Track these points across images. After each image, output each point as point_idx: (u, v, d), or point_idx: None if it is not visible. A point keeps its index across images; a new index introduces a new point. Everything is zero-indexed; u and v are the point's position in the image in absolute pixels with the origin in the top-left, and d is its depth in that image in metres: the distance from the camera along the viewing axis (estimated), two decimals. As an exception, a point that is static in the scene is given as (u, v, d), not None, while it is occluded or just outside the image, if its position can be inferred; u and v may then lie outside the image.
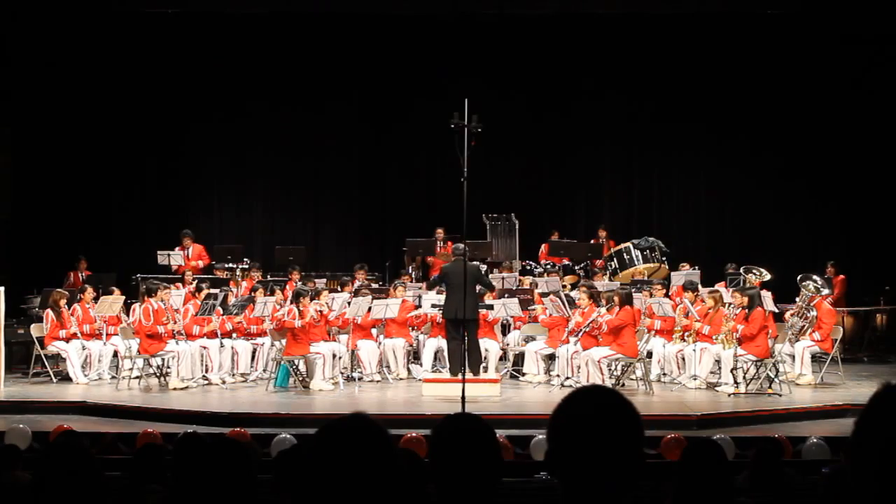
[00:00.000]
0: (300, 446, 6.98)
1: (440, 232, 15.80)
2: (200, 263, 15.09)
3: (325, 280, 14.28)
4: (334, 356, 11.91)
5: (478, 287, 11.65)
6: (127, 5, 16.57)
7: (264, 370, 12.48)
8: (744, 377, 11.13)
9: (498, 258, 15.60)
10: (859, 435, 1.83)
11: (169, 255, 15.18)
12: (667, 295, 12.79)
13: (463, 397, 9.49)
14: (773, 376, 11.24)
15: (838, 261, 15.34)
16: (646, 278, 14.21)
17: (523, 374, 12.43)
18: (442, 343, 12.11)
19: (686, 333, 12.03)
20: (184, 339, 11.88)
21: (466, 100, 9.81)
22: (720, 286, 13.32)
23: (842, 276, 15.09)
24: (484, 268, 12.99)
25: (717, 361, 11.67)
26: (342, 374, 12.05)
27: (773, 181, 17.44)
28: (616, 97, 17.52)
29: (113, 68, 16.77)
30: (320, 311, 11.86)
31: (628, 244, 15.26)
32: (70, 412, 10.30)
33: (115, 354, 12.49)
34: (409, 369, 12.68)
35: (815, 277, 12.27)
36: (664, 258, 15.16)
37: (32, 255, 15.67)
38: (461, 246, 10.94)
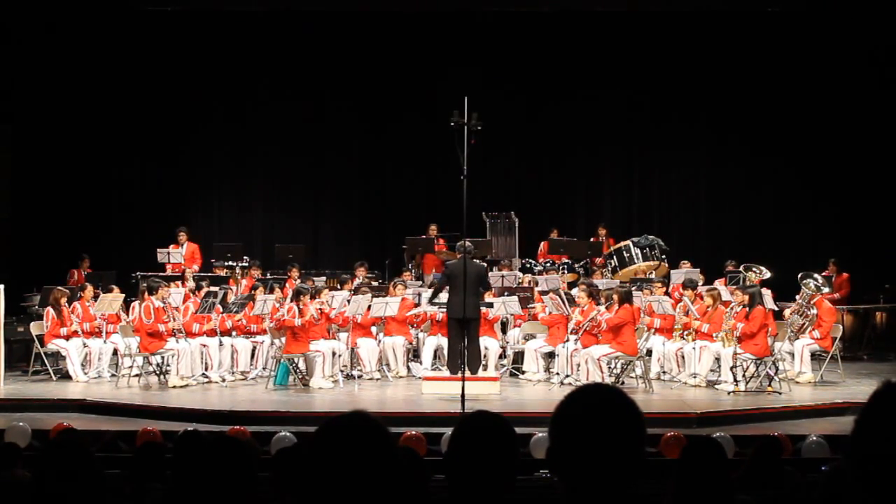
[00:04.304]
0: (300, 444, 6.99)
1: (433, 229, 15.82)
2: (195, 267, 15.10)
3: (324, 278, 14.29)
4: (334, 354, 11.92)
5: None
6: (127, 3, 16.56)
7: (264, 368, 12.48)
8: (743, 375, 11.13)
9: (497, 256, 15.59)
10: (859, 433, 1.83)
11: (168, 253, 15.20)
12: (666, 293, 12.79)
13: (463, 395, 9.49)
14: (772, 374, 11.25)
15: (838, 259, 15.36)
16: (646, 276, 14.21)
17: (523, 373, 12.43)
18: (442, 341, 12.11)
19: (686, 331, 12.03)
20: (183, 337, 11.89)
21: (466, 98, 9.82)
22: (719, 283, 13.33)
23: (845, 275, 15.11)
24: (484, 265, 12.92)
25: (717, 359, 11.68)
26: (342, 372, 12.05)
27: (772, 179, 17.45)
28: (616, 95, 17.51)
29: (113, 66, 16.77)
30: (321, 310, 11.86)
31: (628, 242, 15.26)
32: (70, 410, 10.31)
33: (115, 352, 12.49)
34: (408, 367, 12.69)
35: (815, 276, 12.28)
36: (664, 256, 15.16)
37: (32, 252, 15.66)
38: (464, 243, 10.89)
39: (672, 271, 14.46)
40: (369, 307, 12.16)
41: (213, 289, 12.54)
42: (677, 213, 17.99)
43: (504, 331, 13.25)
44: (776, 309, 12.51)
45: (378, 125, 17.84)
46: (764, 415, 10.02)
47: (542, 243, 16.16)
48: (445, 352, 11.72)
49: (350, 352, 12.37)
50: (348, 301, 12.22)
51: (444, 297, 11.35)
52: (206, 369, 12.00)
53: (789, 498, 5.05)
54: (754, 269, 13.30)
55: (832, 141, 16.83)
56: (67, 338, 12.21)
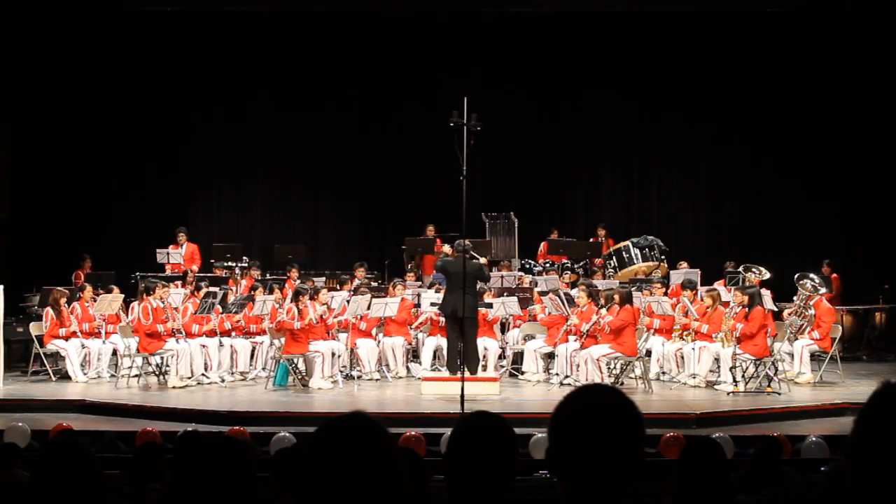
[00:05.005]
0: (299, 445, 6.98)
1: (431, 229, 15.81)
2: (195, 268, 15.11)
3: (324, 278, 14.29)
4: (333, 354, 11.91)
5: (479, 284, 11.62)
6: (126, 3, 16.56)
7: (263, 368, 12.48)
8: (743, 376, 11.14)
9: (497, 256, 15.59)
10: (859, 434, 1.82)
11: (168, 253, 15.20)
12: (666, 293, 12.79)
13: (462, 396, 9.49)
14: (772, 375, 11.25)
15: (838, 259, 15.36)
16: (646, 277, 14.21)
17: (522, 373, 12.43)
18: (441, 342, 12.10)
19: (685, 332, 12.03)
20: (183, 338, 11.88)
21: (466, 98, 9.82)
22: (719, 284, 13.33)
23: (835, 276, 15.11)
24: (484, 260, 12.85)
25: (717, 360, 11.67)
26: (341, 372, 12.04)
27: (772, 180, 17.45)
28: (616, 96, 17.51)
29: (113, 66, 16.77)
30: (321, 317, 11.84)
31: (627, 243, 15.27)
32: (69, 410, 10.30)
33: (115, 353, 12.49)
34: (408, 368, 12.68)
35: (812, 276, 12.27)
36: (663, 257, 15.17)
37: (32, 253, 15.66)
38: (463, 242, 10.88)
39: (671, 272, 14.46)
40: (369, 307, 12.14)
41: (212, 289, 12.54)
42: (677, 213, 17.99)
43: (503, 331, 13.25)
44: (775, 309, 12.51)
45: (378, 126, 17.84)
46: (763, 415, 10.01)
47: (542, 244, 16.15)
48: (445, 352, 11.72)
49: (349, 352, 12.37)
50: (348, 302, 12.22)
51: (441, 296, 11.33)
52: (206, 370, 12.00)
53: (789, 498, 5.05)
54: (753, 269, 13.29)
55: (832, 141, 16.84)
56: (67, 338, 12.21)
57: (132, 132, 17.15)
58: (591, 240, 16.10)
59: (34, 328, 12.53)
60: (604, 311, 11.52)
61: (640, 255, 15.06)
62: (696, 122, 17.48)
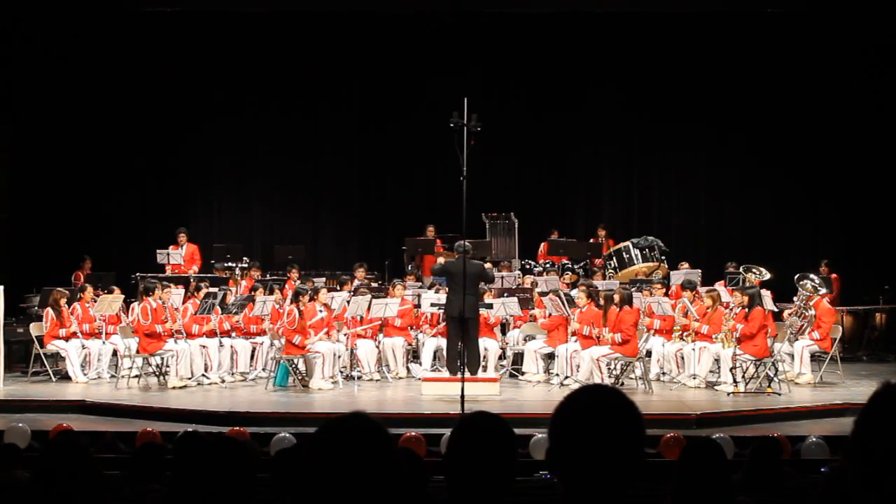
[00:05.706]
0: (299, 445, 6.98)
1: (431, 230, 15.81)
2: (195, 268, 15.11)
3: (324, 279, 14.29)
4: (333, 355, 11.91)
5: (481, 285, 11.62)
6: (127, 4, 16.56)
7: (263, 369, 12.48)
8: (743, 376, 11.13)
9: (497, 257, 15.59)
10: (859, 434, 1.82)
11: (168, 254, 15.20)
12: (666, 294, 12.79)
13: (462, 396, 9.49)
14: (772, 375, 11.25)
15: (838, 260, 15.36)
16: (647, 277, 14.21)
17: (523, 374, 12.43)
18: (441, 342, 12.10)
19: (685, 332, 12.02)
20: (183, 338, 11.88)
21: (466, 99, 9.82)
22: (719, 285, 13.33)
23: (835, 276, 15.11)
24: (489, 265, 12.84)
25: (717, 360, 11.67)
26: (341, 373, 12.04)
27: (772, 180, 17.45)
28: (616, 96, 17.51)
29: (113, 67, 16.77)
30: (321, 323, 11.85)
31: (627, 243, 15.26)
32: (69, 411, 10.30)
33: (115, 353, 12.48)
34: (408, 368, 12.68)
35: (812, 276, 12.28)
36: (663, 257, 15.16)
37: (32, 253, 15.66)
38: (463, 243, 10.89)
39: (671, 272, 14.46)
40: (369, 307, 12.14)
41: (212, 290, 12.53)
42: (677, 213, 17.98)
43: (504, 332, 13.24)
44: (776, 310, 12.51)
45: (378, 126, 17.83)
46: (763, 416, 10.01)
47: (542, 244, 16.15)
48: (445, 353, 11.71)
49: (349, 353, 12.37)
50: (348, 302, 12.22)
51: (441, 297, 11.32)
52: (206, 370, 12.00)
53: (789, 499, 5.05)
54: (754, 270, 13.29)
55: (832, 141, 16.83)
56: (67, 339, 12.21)
57: (132, 132, 17.14)
58: (592, 240, 16.10)
59: (34, 329, 12.53)
60: (607, 332, 11.37)
61: (640, 256, 15.05)
62: (696, 122, 17.47)
